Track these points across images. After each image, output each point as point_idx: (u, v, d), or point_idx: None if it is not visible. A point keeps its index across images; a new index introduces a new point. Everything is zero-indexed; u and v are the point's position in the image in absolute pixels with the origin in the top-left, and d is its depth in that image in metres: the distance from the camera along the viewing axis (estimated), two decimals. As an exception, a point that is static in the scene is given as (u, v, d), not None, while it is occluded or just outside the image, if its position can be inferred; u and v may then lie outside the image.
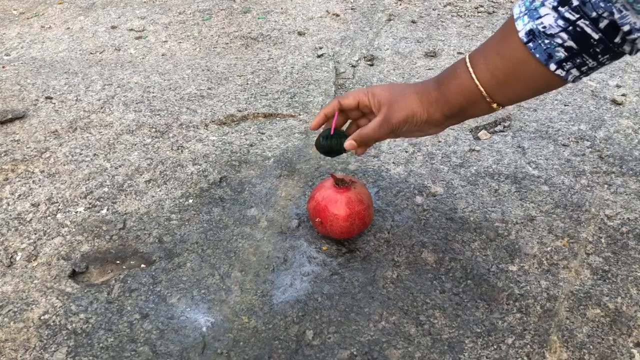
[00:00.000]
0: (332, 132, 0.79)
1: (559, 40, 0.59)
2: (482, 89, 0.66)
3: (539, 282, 0.79)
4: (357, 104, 0.76)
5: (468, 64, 0.67)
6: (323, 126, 0.80)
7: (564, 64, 0.60)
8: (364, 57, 1.46)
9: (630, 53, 0.58)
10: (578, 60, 0.60)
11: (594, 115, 1.18)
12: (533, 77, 0.63)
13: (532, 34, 0.60)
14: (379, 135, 0.74)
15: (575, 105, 1.22)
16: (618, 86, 1.29)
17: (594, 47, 0.58)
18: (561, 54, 0.59)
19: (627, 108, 1.21)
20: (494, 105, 0.68)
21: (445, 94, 0.70)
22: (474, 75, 0.66)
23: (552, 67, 0.61)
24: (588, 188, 0.97)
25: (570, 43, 0.58)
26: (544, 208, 0.93)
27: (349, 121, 0.82)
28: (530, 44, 0.60)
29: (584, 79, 1.32)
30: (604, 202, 0.94)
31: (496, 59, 0.64)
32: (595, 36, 0.57)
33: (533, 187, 0.97)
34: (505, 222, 0.90)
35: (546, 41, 0.59)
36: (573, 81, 0.63)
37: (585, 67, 0.61)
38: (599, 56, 0.59)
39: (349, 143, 0.76)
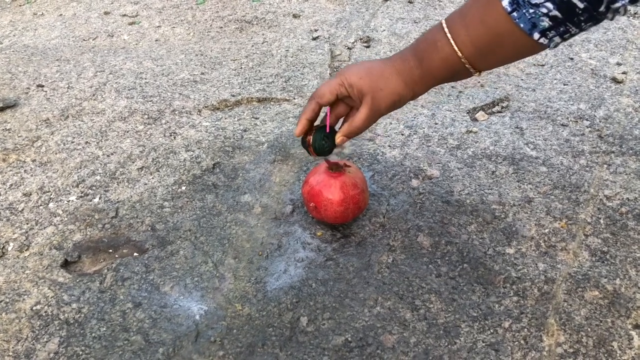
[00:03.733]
0: (328, 130, 0.77)
1: (544, 10, 0.58)
2: (465, 60, 0.65)
3: (536, 264, 0.78)
4: (335, 98, 0.74)
5: (448, 35, 0.65)
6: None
7: (548, 32, 0.60)
8: (360, 39, 1.43)
9: (612, 19, 0.58)
10: (562, 29, 0.59)
11: (594, 94, 1.16)
12: (516, 45, 0.63)
13: (516, 3, 0.59)
14: (368, 125, 0.73)
15: (574, 84, 1.20)
16: (618, 64, 1.27)
17: (578, 16, 0.58)
18: (545, 23, 0.59)
19: (628, 86, 1.19)
20: (476, 74, 0.68)
21: (429, 70, 0.68)
22: (456, 48, 0.65)
23: (536, 36, 0.60)
24: (587, 168, 0.96)
25: (555, 12, 0.58)
26: (542, 189, 0.91)
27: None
28: (515, 14, 0.59)
29: (584, 57, 1.30)
30: (603, 183, 0.92)
31: (479, 29, 0.63)
32: (581, 5, 0.56)
33: (531, 168, 0.96)
34: (503, 205, 0.88)
35: (531, 10, 0.58)
36: (554, 47, 0.62)
37: (568, 35, 0.61)
38: (582, 24, 0.59)
39: (340, 139, 0.75)
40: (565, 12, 0.57)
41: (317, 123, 0.79)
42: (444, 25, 0.66)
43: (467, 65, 0.66)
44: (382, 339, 0.69)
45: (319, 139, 0.77)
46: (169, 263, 0.80)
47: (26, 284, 0.77)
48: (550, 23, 0.59)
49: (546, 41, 0.61)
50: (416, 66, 0.69)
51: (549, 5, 0.57)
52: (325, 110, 0.77)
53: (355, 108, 0.75)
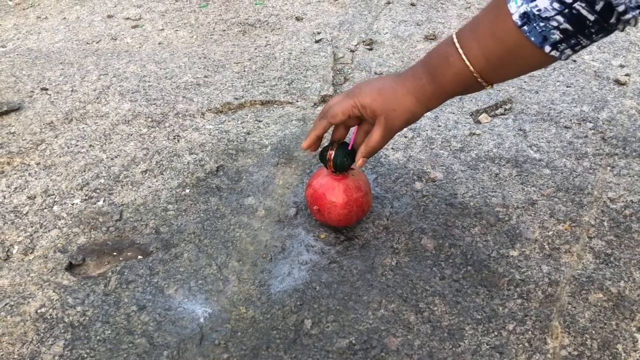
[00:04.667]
0: (350, 147, 0.78)
1: (555, 23, 0.58)
2: (477, 75, 0.65)
3: (540, 267, 0.78)
4: (347, 118, 0.74)
5: (460, 51, 0.65)
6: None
7: (559, 45, 0.60)
8: (363, 42, 1.44)
9: (622, 30, 0.58)
10: (573, 41, 0.59)
11: (597, 96, 1.16)
12: (527, 58, 0.63)
13: (526, 16, 0.59)
14: (384, 143, 0.74)
15: (577, 86, 1.20)
16: (621, 66, 1.27)
17: (589, 28, 0.58)
18: (556, 36, 0.59)
19: (631, 88, 1.19)
20: (488, 87, 0.68)
21: (441, 86, 0.69)
22: (468, 63, 0.65)
23: (547, 49, 0.60)
24: (590, 170, 0.95)
25: (565, 25, 0.58)
26: (545, 192, 0.91)
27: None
28: (525, 27, 0.59)
29: (587, 59, 1.30)
30: (607, 185, 0.92)
31: (490, 43, 0.63)
32: (591, 18, 0.56)
33: (534, 171, 0.96)
34: (506, 207, 0.88)
35: (541, 24, 0.58)
36: (565, 59, 0.62)
37: (579, 47, 0.61)
38: (593, 35, 0.59)
39: (361, 161, 0.75)
40: (575, 24, 0.57)
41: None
42: (455, 39, 0.66)
43: (479, 80, 0.66)
44: (386, 342, 0.69)
45: (340, 156, 0.78)
46: (173, 266, 0.80)
47: (31, 287, 0.77)
48: (561, 36, 0.59)
49: (557, 54, 0.61)
50: (428, 82, 0.69)
51: (560, 18, 0.57)
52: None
53: (365, 121, 0.76)
